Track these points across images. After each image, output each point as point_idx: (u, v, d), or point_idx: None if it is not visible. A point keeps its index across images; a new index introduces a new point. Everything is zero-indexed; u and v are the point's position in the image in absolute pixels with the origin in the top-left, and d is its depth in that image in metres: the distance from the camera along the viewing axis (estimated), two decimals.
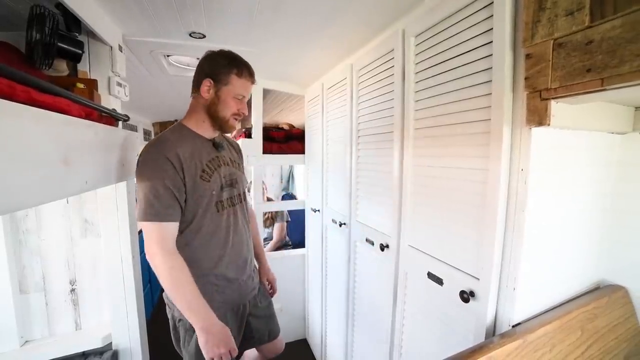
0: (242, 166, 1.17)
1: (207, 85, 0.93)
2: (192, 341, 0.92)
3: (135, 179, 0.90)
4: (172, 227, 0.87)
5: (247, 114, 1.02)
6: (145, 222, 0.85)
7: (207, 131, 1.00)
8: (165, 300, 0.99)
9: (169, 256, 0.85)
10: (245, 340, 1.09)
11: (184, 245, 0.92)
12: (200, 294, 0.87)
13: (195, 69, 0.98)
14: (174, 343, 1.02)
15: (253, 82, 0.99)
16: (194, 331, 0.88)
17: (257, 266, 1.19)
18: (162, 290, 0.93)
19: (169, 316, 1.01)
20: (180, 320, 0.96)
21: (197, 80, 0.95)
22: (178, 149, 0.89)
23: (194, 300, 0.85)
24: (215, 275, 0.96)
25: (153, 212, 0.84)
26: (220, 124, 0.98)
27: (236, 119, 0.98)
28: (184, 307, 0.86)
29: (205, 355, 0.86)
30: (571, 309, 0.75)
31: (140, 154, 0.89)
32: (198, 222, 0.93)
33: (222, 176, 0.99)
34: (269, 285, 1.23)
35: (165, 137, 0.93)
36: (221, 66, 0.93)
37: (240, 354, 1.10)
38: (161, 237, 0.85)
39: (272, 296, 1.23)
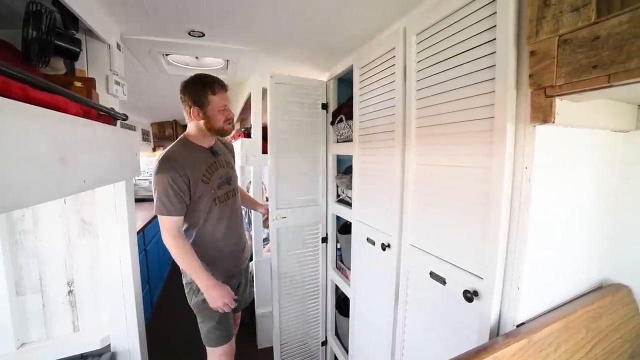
0: (233, 163, 1.44)
1: (196, 113, 1.17)
2: (195, 297, 1.25)
3: (152, 185, 1.17)
4: (177, 219, 1.16)
5: (232, 116, 1.25)
6: (159, 216, 1.15)
7: (207, 140, 1.27)
8: (180, 269, 1.27)
9: (173, 239, 1.15)
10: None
11: (196, 228, 1.23)
12: (200, 264, 1.16)
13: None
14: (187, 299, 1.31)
15: (226, 90, 1.21)
16: (198, 291, 1.21)
17: (248, 244, 1.47)
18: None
19: (183, 281, 1.29)
20: (188, 283, 1.27)
21: (187, 111, 1.19)
22: (185, 163, 1.16)
23: (196, 268, 1.15)
24: (218, 248, 1.27)
25: (164, 209, 1.13)
26: (217, 133, 1.25)
27: (229, 124, 1.23)
28: (192, 274, 1.17)
29: (212, 306, 1.16)
30: (575, 308, 0.74)
31: (156, 167, 1.14)
32: (203, 213, 1.22)
33: (219, 177, 1.26)
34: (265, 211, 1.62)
35: (174, 154, 1.18)
36: (198, 92, 1.16)
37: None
38: (169, 225, 1.15)
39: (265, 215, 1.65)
